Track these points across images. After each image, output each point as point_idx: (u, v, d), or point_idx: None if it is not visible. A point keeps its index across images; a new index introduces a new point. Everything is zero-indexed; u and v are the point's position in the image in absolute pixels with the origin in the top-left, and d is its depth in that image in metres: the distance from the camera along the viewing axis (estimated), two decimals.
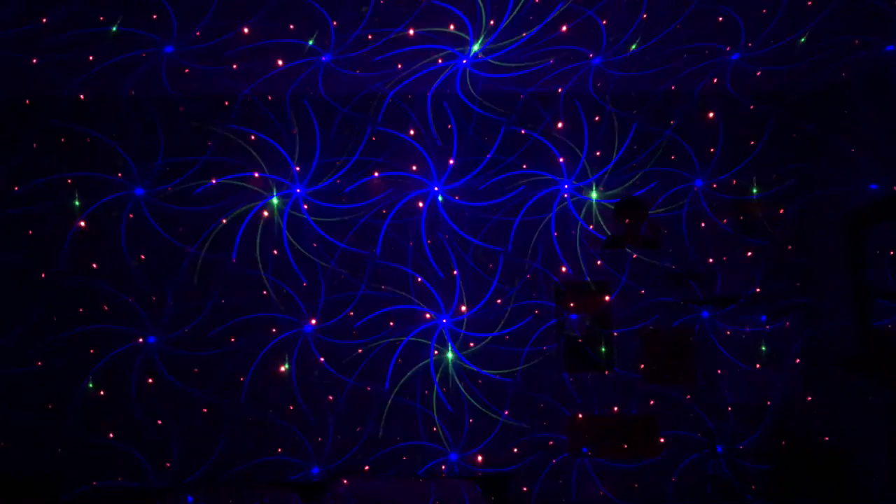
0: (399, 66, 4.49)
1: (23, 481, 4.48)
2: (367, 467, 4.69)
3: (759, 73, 4.65)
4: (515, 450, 4.75)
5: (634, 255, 4.87)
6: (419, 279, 4.82)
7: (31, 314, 4.61)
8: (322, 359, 4.73)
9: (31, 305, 4.62)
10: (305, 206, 4.84)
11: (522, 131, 4.87)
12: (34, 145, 4.70)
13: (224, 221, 4.74)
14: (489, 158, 4.93)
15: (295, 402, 4.69)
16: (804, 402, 4.81)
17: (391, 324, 4.78)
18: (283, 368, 4.70)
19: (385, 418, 4.72)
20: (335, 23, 3.96)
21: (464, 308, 4.81)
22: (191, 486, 4.54)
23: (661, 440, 4.75)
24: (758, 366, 4.82)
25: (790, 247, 4.92)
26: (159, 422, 4.62)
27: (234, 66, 4.42)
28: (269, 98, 4.85)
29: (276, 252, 4.77)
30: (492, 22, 3.97)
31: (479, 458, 4.73)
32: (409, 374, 4.75)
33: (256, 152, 4.81)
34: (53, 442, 4.57)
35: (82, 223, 4.63)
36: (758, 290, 4.85)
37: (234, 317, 4.72)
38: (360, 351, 4.74)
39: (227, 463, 4.64)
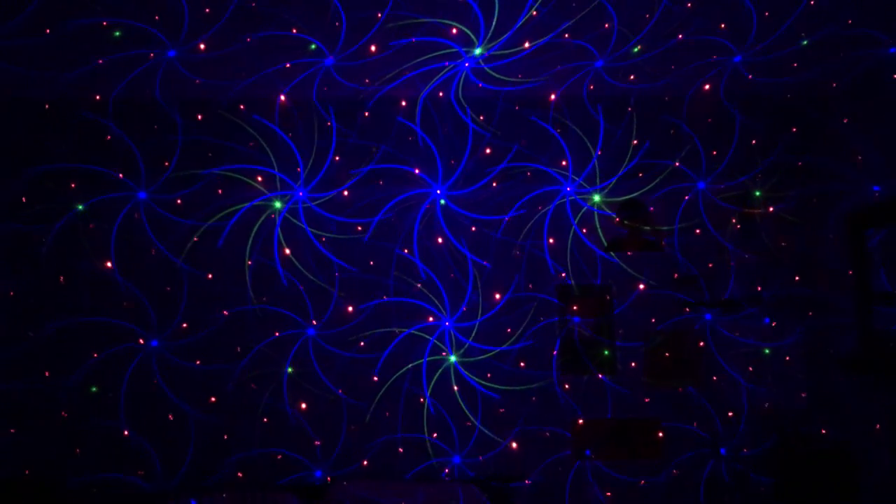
0: (402, 66, 4.49)
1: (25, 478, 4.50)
2: (365, 467, 4.70)
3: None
4: (515, 444, 4.76)
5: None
6: (420, 277, 4.82)
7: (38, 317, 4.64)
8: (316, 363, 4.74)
9: (39, 308, 4.66)
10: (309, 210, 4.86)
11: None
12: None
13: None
14: (484, 159, 4.93)
15: (298, 404, 4.70)
16: (807, 405, 4.82)
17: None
18: (288, 370, 4.71)
19: (389, 421, 4.74)
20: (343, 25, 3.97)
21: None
22: (195, 489, 4.55)
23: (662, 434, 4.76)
24: (750, 369, 4.83)
25: (790, 249, 4.93)
26: (166, 420, 4.63)
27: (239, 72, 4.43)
28: (283, 101, 4.86)
29: (287, 251, 4.77)
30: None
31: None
32: (400, 371, 4.76)
33: (269, 154, 4.82)
34: (58, 442, 4.59)
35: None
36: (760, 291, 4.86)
37: (236, 318, 4.73)
38: (362, 344, 4.75)
39: (230, 465, 4.65)
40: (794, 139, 4.97)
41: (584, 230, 4.92)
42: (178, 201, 4.76)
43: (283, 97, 4.80)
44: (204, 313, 4.71)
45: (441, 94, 4.89)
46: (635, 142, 4.94)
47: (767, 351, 4.85)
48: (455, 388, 4.76)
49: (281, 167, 4.84)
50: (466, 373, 4.78)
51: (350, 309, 4.79)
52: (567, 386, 4.82)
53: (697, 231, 4.93)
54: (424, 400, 4.71)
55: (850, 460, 4.52)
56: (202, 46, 4.11)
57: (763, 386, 4.82)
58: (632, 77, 4.69)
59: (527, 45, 4.22)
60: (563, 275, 4.87)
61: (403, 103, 4.91)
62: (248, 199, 4.78)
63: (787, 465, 4.64)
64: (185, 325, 4.69)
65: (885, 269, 4.38)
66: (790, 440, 4.74)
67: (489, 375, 4.79)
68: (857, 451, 4.54)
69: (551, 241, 4.90)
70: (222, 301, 4.73)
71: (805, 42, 4.21)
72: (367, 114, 4.86)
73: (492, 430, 4.75)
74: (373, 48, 4.22)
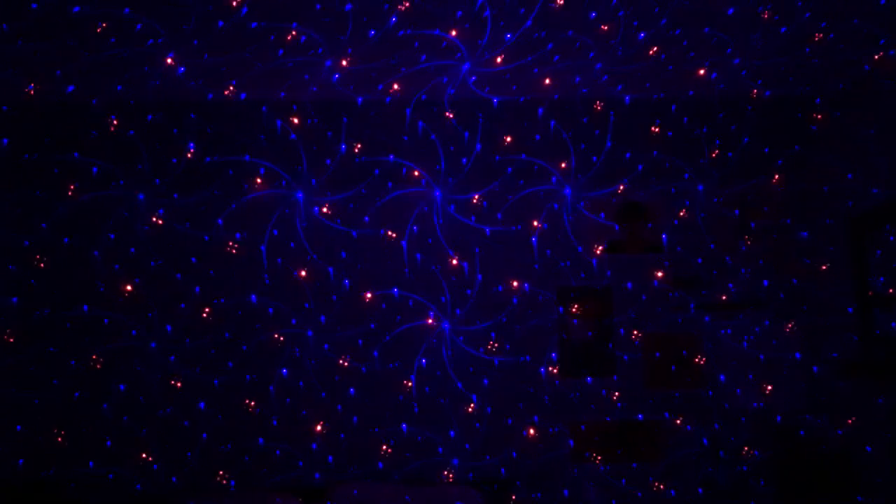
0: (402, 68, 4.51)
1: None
2: (364, 470, 4.69)
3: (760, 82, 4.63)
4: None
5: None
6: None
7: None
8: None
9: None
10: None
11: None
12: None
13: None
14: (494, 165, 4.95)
15: (297, 404, 4.70)
16: (807, 409, 4.79)
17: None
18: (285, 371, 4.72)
19: (385, 424, 4.74)
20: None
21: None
22: (192, 490, 4.54)
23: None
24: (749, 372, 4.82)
25: (789, 251, 4.93)
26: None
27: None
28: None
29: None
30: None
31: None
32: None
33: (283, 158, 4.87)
34: (57, 442, 4.60)
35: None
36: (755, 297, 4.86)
37: (237, 320, 4.75)
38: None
39: (229, 468, 4.64)
40: (794, 142, 4.97)
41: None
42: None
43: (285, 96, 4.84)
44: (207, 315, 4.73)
45: (449, 102, 4.93)
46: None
47: (766, 354, 4.83)
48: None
49: (286, 168, 4.87)
50: (464, 377, 4.78)
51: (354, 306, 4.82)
52: (567, 387, 4.81)
53: (683, 213, 4.93)
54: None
55: (850, 464, 4.50)
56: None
57: (762, 388, 4.79)
58: (620, 85, 4.71)
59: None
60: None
61: (392, 98, 4.94)
62: (255, 198, 4.81)
63: (787, 469, 4.62)
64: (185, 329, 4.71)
65: (882, 271, 4.37)
66: (789, 444, 4.72)
67: (493, 357, 4.79)
68: (857, 455, 4.51)
69: (541, 231, 4.91)
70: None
71: (812, 44, 4.20)
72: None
73: (492, 432, 4.74)
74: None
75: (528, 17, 3.90)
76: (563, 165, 4.96)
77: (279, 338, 4.73)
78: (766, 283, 4.89)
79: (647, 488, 4.73)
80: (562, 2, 3.75)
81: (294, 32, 4.07)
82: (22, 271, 4.68)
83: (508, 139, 4.94)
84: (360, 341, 4.77)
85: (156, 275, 4.73)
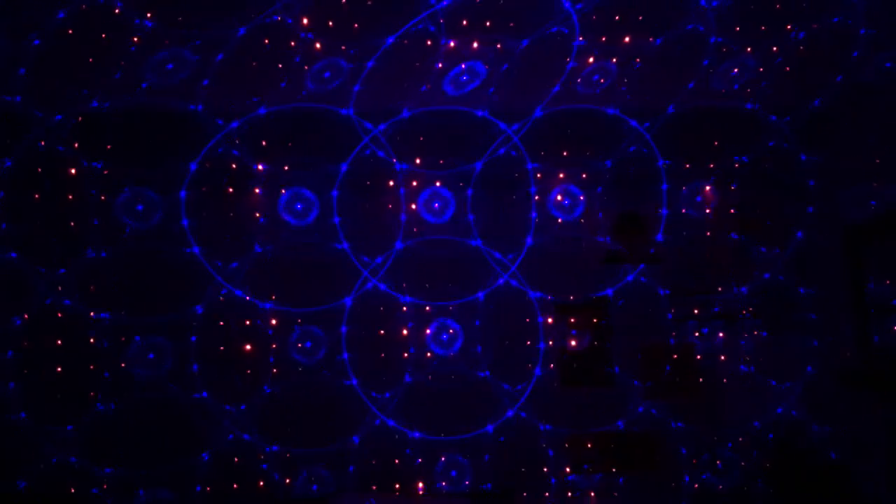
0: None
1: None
2: (364, 481, 4.68)
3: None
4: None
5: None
6: None
7: None
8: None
9: None
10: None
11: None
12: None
13: None
14: None
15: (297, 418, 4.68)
16: (805, 417, 4.79)
17: None
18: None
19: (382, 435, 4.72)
20: None
21: None
22: None
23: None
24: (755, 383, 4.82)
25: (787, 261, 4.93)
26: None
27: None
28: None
29: None
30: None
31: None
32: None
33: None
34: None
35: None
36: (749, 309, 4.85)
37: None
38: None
39: (225, 480, 4.62)
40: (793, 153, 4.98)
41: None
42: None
43: None
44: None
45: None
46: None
47: (765, 364, 4.83)
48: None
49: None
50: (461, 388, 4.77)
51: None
52: (565, 398, 4.80)
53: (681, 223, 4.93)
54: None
55: (848, 473, 4.49)
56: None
57: (761, 399, 4.79)
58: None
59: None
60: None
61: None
62: None
63: (785, 478, 4.61)
64: None
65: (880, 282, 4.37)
66: (788, 453, 4.71)
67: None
68: (855, 465, 4.51)
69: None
70: None
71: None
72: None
73: (488, 444, 4.73)
74: None
75: None
76: (561, 175, 4.95)
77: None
78: (763, 293, 4.89)
79: (645, 499, 4.72)
80: None
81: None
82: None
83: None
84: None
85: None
